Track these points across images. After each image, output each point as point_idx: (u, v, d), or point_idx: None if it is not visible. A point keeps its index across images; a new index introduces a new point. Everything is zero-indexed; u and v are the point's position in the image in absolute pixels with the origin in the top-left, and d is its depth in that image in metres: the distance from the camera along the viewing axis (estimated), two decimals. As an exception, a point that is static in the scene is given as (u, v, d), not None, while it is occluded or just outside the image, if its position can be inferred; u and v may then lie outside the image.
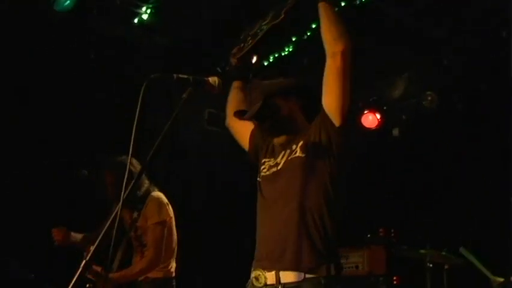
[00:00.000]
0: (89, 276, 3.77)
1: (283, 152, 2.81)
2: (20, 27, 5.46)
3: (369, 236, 6.37)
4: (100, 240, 2.27)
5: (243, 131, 3.14)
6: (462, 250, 4.83)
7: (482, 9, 5.69)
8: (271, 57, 6.78)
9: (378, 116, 7.00)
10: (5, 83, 5.68)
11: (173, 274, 4.50)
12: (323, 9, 2.74)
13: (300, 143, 2.74)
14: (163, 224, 4.36)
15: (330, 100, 2.67)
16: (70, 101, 6.08)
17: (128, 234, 4.36)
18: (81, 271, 2.22)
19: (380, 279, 6.05)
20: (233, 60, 3.16)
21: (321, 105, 2.73)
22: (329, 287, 2.54)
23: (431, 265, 5.07)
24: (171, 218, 4.45)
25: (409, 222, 6.41)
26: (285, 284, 2.58)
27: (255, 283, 2.68)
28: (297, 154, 2.72)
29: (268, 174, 2.83)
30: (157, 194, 4.46)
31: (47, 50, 5.69)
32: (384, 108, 7.09)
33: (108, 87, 6.38)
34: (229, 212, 6.98)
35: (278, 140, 2.86)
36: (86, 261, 2.22)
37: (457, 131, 6.61)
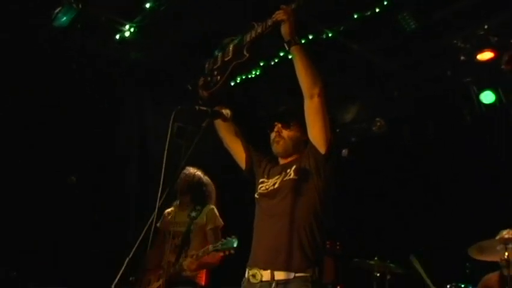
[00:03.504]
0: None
1: (279, 174, 3.33)
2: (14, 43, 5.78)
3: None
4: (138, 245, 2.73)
5: (238, 151, 3.61)
6: (412, 258, 5.41)
7: (430, 50, 6.46)
8: (239, 79, 7.31)
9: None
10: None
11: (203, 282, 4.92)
12: (296, 53, 3.17)
13: (294, 167, 3.26)
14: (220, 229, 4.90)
15: (315, 133, 3.19)
16: (50, 107, 6.41)
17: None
18: (125, 267, 2.67)
19: (329, 287, 6.60)
20: (204, 94, 3.49)
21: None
22: (315, 284, 3.04)
23: (378, 274, 5.66)
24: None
25: (357, 235, 7.01)
26: (278, 280, 3.05)
27: (252, 280, 3.14)
28: (291, 176, 3.24)
29: (265, 192, 3.33)
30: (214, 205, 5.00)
31: (37, 61, 6.02)
32: (337, 130, 7.70)
33: (87, 96, 6.72)
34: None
35: (284, 160, 3.39)
36: (129, 258, 2.69)
37: (400, 154, 7.35)
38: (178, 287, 4.66)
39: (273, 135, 3.43)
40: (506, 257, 4.76)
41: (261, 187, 3.39)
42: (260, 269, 3.13)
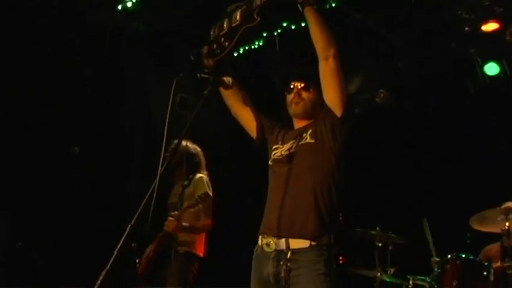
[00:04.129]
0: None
1: (294, 139, 3.28)
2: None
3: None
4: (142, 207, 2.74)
5: (248, 119, 3.54)
6: (424, 222, 5.42)
7: (434, 21, 6.40)
8: (241, 49, 7.26)
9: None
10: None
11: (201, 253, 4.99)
12: (310, 14, 3.09)
13: (310, 131, 3.22)
14: (211, 197, 4.93)
15: (331, 96, 3.14)
16: (52, 81, 6.34)
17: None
18: (127, 233, 2.68)
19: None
20: (210, 62, 3.37)
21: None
22: (330, 254, 3.01)
23: (380, 244, 5.68)
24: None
25: (360, 207, 7.02)
26: (293, 249, 3.01)
27: (266, 248, 3.11)
28: (307, 140, 3.20)
29: (280, 158, 3.28)
30: (206, 174, 5.02)
31: (38, 35, 5.99)
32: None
33: (88, 68, 6.68)
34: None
35: (299, 124, 3.36)
36: (131, 225, 2.70)
37: (403, 126, 7.35)
38: (176, 259, 4.73)
39: (291, 96, 3.36)
40: (506, 227, 4.78)
41: (275, 153, 3.34)
42: (274, 237, 3.09)
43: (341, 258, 6.64)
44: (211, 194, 4.96)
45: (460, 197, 6.35)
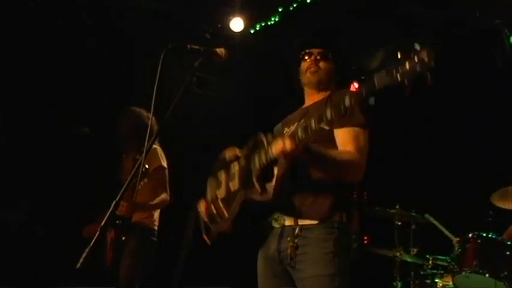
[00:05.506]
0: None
1: (304, 117, 3.08)
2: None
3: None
4: (126, 186, 2.65)
5: None
6: (427, 216, 5.27)
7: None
8: (258, 26, 7.09)
9: (356, 85, 7.37)
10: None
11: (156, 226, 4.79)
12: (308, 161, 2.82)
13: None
14: (166, 169, 4.70)
15: None
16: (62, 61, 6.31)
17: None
18: (112, 209, 2.59)
19: (353, 237, 6.46)
20: (212, 236, 3.11)
21: None
22: (341, 230, 2.88)
23: (399, 223, 5.50)
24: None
25: (381, 185, 6.84)
26: (302, 225, 2.89)
27: (274, 224, 3.02)
28: None
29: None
30: (158, 145, 4.75)
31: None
32: (362, 78, 7.46)
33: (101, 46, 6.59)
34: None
35: (310, 96, 3.21)
36: (116, 201, 2.60)
37: (427, 100, 7.10)
38: (132, 236, 4.47)
39: (307, 63, 3.19)
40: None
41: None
42: (283, 214, 2.98)
43: (365, 238, 6.49)
44: (165, 165, 4.68)
45: (484, 174, 6.10)
